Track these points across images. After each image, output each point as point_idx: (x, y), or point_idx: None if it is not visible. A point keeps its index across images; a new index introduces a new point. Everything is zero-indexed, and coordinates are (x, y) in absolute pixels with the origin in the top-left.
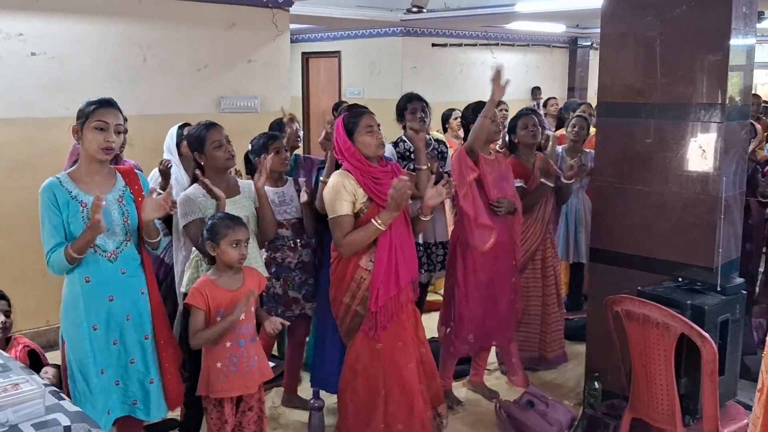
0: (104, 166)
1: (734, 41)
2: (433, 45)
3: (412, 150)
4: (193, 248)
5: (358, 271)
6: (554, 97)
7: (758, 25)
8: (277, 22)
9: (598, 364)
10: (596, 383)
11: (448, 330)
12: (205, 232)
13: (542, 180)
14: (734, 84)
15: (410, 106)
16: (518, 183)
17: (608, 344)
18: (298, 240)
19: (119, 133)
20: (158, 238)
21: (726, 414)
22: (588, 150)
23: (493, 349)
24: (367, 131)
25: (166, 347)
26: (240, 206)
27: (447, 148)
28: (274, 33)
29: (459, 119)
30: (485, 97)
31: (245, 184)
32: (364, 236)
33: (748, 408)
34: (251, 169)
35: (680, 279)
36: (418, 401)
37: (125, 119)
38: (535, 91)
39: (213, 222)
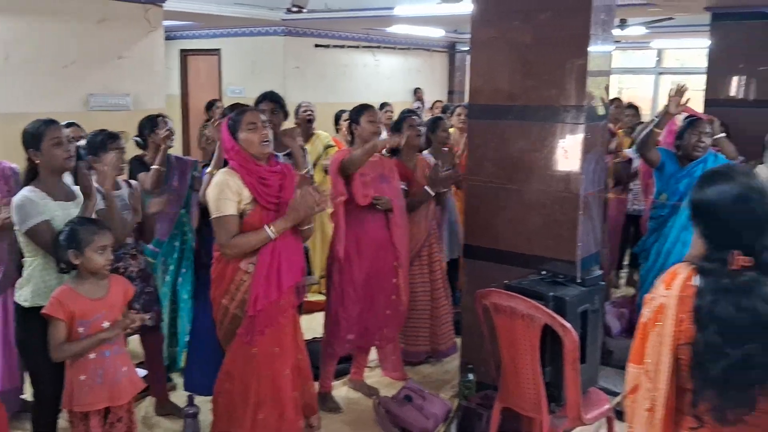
0: None
1: (593, 47)
2: (316, 45)
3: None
4: (30, 256)
5: (238, 273)
6: (440, 100)
7: (621, 32)
8: (150, 17)
9: (472, 357)
10: (470, 375)
11: (327, 331)
12: (62, 239)
13: (425, 187)
14: (594, 87)
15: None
16: (402, 186)
17: (481, 337)
18: (137, 247)
19: None
20: None
21: (588, 400)
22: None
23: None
24: (249, 128)
25: None
26: (74, 214)
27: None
28: (147, 29)
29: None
30: (369, 99)
31: (77, 189)
32: (253, 242)
33: (611, 393)
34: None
35: (544, 272)
36: (289, 409)
37: None
38: (417, 91)
39: (73, 228)
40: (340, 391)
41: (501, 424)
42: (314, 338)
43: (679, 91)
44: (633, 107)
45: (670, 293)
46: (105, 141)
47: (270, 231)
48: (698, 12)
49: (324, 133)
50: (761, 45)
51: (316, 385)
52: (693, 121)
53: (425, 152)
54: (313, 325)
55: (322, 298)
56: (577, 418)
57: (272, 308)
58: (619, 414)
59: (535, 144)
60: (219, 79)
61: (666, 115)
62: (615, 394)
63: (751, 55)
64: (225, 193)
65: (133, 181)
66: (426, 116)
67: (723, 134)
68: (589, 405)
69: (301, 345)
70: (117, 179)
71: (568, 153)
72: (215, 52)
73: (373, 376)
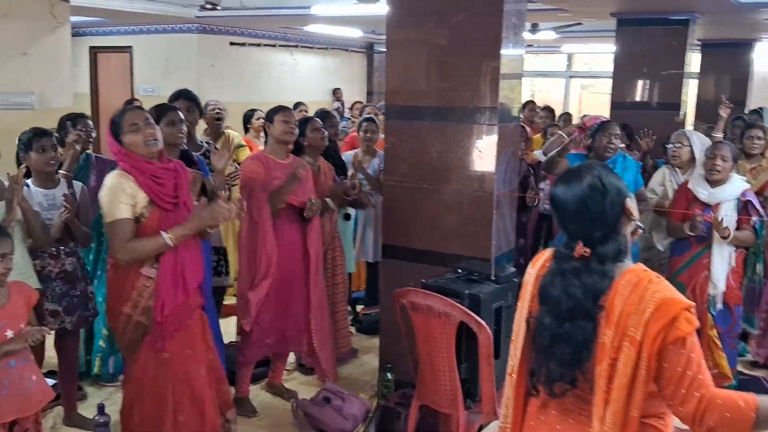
0: None
1: (505, 50)
2: (231, 44)
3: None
4: None
5: (140, 279)
6: (360, 101)
7: (533, 36)
8: (56, 12)
9: (390, 356)
10: (389, 374)
11: (239, 337)
12: None
13: (327, 200)
14: (507, 89)
15: (175, 104)
16: None
17: (399, 336)
18: (62, 248)
19: None
20: None
21: (503, 394)
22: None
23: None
24: (132, 130)
25: None
26: None
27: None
28: (53, 24)
29: (261, 119)
30: (286, 99)
31: None
32: (149, 248)
33: None
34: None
35: (460, 270)
36: (209, 408)
37: None
38: (336, 91)
39: None
40: (258, 395)
41: (419, 421)
42: (231, 342)
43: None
44: (548, 109)
45: (531, 271)
46: (31, 139)
47: (167, 238)
48: (605, 18)
49: (234, 132)
50: (664, 50)
51: (233, 389)
52: (603, 123)
53: (348, 153)
54: (230, 329)
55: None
56: (492, 413)
57: (180, 311)
58: None
59: (450, 144)
60: (131, 77)
61: (570, 143)
62: None
63: (654, 59)
64: (119, 196)
65: (77, 182)
66: (355, 115)
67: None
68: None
69: (210, 344)
70: (58, 176)
71: (483, 153)
72: (126, 49)
73: (291, 380)
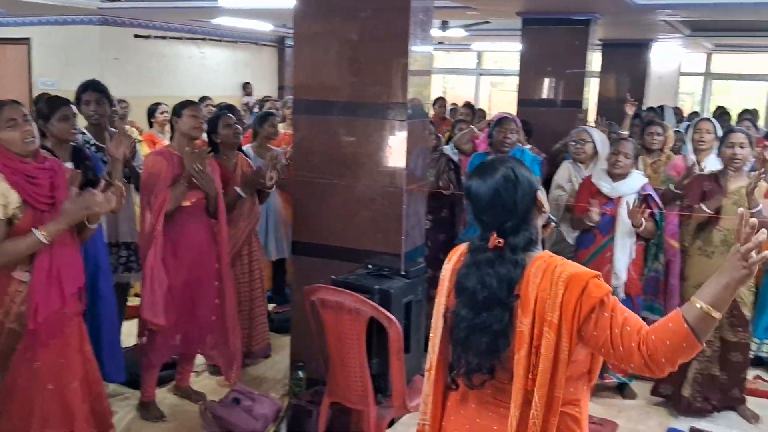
0: None
1: (414, 46)
2: (136, 36)
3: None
4: None
5: (12, 283)
6: (269, 96)
7: (443, 34)
8: None
9: (302, 354)
10: (300, 372)
11: (144, 339)
12: None
13: (236, 188)
14: (416, 86)
15: (84, 96)
16: None
17: (311, 333)
18: None
19: None
20: None
21: (413, 388)
22: (276, 148)
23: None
24: (8, 126)
25: None
26: None
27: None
28: None
29: (165, 113)
30: (195, 93)
31: None
32: (21, 247)
33: None
34: None
35: (371, 266)
36: (80, 425)
37: None
38: (246, 86)
39: None
40: (165, 398)
41: (331, 419)
42: (134, 345)
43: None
44: (469, 106)
45: (447, 267)
46: None
47: (40, 235)
48: (511, 17)
49: (129, 127)
50: (566, 49)
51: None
52: (500, 119)
53: (247, 146)
54: (132, 331)
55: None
56: (402, 407)
57: (55, 318)
58: None
59: (360, 140)
60: (29, 70)
61: None
62: None
63: (557, 58)
64: None
65: None
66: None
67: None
68: (414, 393)
69: (89, 356)
70: None
71: (393, 149)
72: (24, 41)
73: (199, 381)
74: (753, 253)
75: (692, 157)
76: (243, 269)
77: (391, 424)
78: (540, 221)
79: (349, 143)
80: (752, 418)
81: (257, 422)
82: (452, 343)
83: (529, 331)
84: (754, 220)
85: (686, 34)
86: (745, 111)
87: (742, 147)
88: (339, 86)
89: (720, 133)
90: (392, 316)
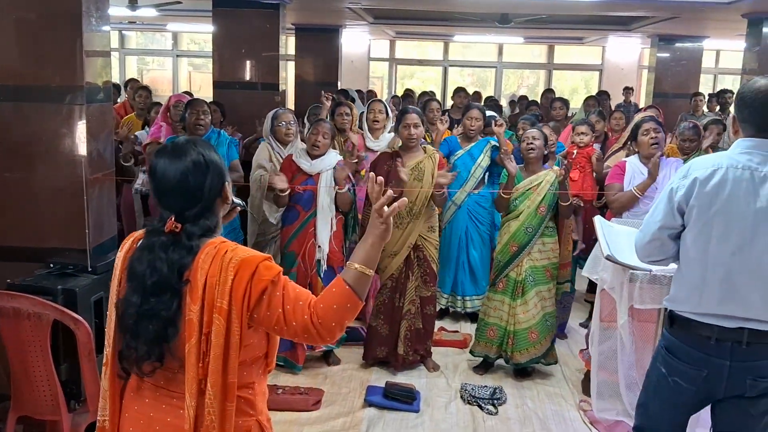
0: None
1: (87, 26)
2: None
3: None
4: None
5: None
6: None
7: (132, 13)
8: None
9: None
10: None
11: None
12: None
13: None
14: (93, 67)
15: None
16: None
17: None
18: None
19: None
20: None
21: None
22: None
23: None
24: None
25: None
26: None
27: None
28: None
29: None
30: None
31: None
32: None
33: None
34: None
35: (52, 265)
36: None
37: None
38: None
39: None
40: None
41: None
42: None
43: None
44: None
45: (119, 255)
46: None
47: None
48: None
49: None
50: (259, 32)
51: None
52: (190, 101)
53: None
54: None
55: None
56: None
57: None
58: None
59: (33, 127)
60: None
61: None
62: None
63: (250, 41)
64: None
65: None
66: None
67: None
68: None
69: None
70: None
71: (71, 136)
72: None
73: None
74: (384, 208)
75: (369, 135)
76: None
77: (91, 429)
78: (223, 212)
79: (21, 131)
80: (433, 368)
81: None
82: (121, 330)
83: (198, 318)
84: (381, 178)
85: (370, 21)
86: (424, 93)
87: (416, 127)
88: (8, 68)
89: (390, 113)
90: (79, 317)
